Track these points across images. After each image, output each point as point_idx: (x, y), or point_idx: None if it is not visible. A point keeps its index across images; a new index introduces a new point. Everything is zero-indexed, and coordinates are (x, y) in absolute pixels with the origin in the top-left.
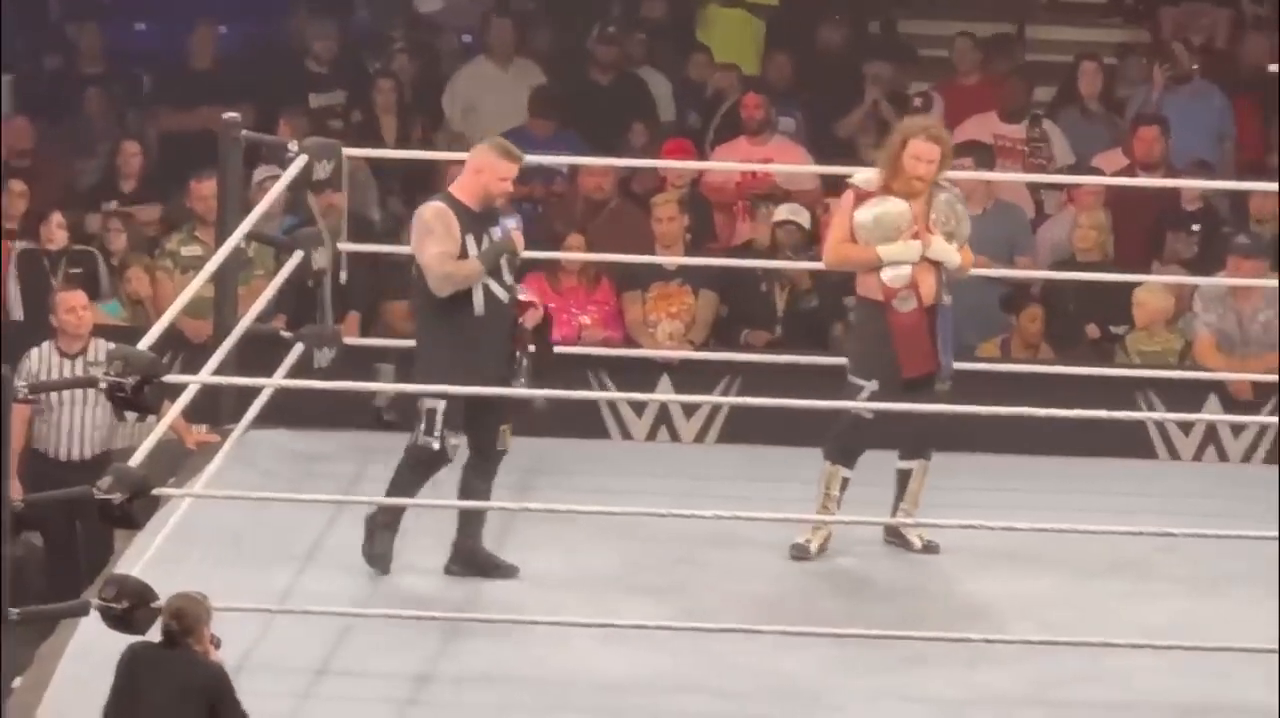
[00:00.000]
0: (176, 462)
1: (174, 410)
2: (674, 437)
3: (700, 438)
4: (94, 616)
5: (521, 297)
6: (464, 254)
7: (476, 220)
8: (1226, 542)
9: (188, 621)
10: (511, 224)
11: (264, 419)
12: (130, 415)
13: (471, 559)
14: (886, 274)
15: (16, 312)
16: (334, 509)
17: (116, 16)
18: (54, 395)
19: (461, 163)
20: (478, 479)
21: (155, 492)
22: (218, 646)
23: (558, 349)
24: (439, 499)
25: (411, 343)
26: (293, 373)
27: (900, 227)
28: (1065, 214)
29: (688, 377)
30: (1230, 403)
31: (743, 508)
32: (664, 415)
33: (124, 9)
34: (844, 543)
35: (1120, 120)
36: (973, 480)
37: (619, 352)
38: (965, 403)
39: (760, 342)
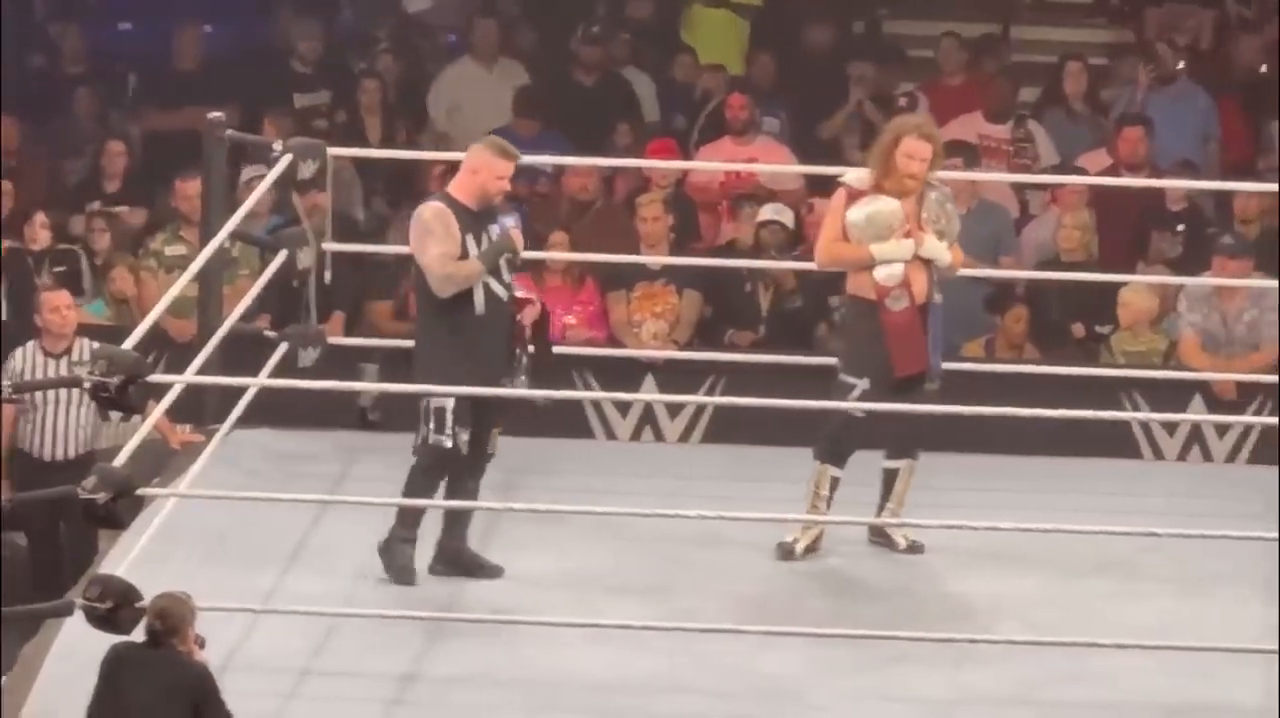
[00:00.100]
0: (161, 462)
1: (158, 410)
2: (658, 437)
3: (685, 438)
4: (78, 615)
5: (518, 293)
6: (464, 254)
7: (475, 219)
8: (1211, 542)
9: (172, 621)
10: (510, 223)
11: (248, 419)
12: (115, 415)
13: (456, 559)
14: (880, 273)
15: (0, 311)
16: (319, 509)
17: (101, 16)
18: (38, 395)
19: (445, 163)
20: (465, 479)
21: (140, 492)
22: (202, 646)
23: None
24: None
25: (395, 343)
26: (277, 373)
27: (893, 225)
28: (1049, 214)
29: (672, 377)
30: (1215, 403)
31: (728, 508)
32: (649, 415)
33: (109, 9)
34: (829, 543)
35: (1105, 121)
36: (958, 480)
37: (603, 351)
38: (951, 403)
39: (745, 342)
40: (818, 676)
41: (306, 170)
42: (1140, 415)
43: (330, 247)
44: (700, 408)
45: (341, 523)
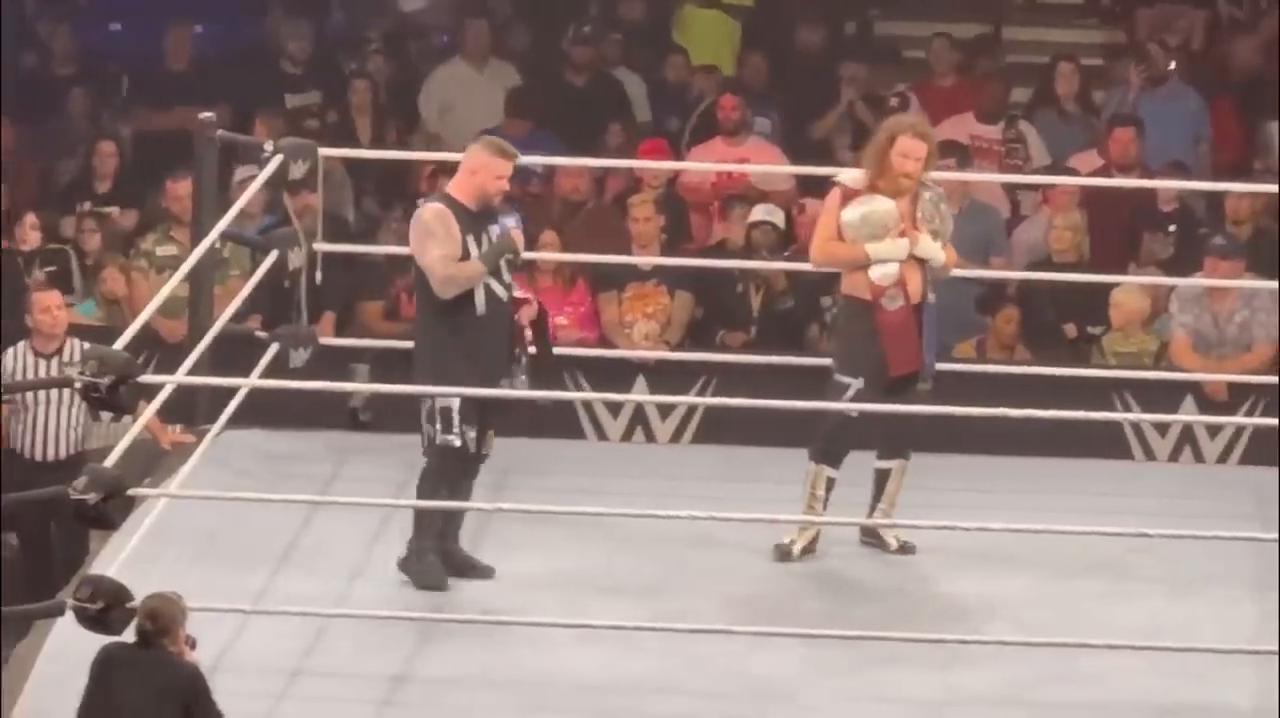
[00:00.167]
0: (152, 462)
1: (149, 411)
2: (650, 437)
3: (676, 438)
4: (69, 616)
5: (516, 293)
6: (465, 255)
7: (475, 220)
8: (1203, 542)
9: (163, 621)
10: (511, 223)
11: (239, 419)
12: (105, 416)
13: (448, 560)
14: (875, 272)
15: None
16: (310, 510)
17: (92, 16)
18: (29, 395)
19: (436, 163)
20: (459, 480)
21: (130, 492)
22: (193, 646)
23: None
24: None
25: (386, 343)
26: (268, 373)
27: (888, 224)
28: (1041, 215)
29: (663, 377)
30: (1206, 404)
31: (719, 508)
32: (640, 416)
33: (99, 9)
34: (821, 544)
35: (1096, 121)
36: (949, 481)
37: (595, 352)
38: (943, 403)
39: (736, 342)
40: (810, 676)
41: (297, 171)
42: (1132, 416)
43: (321, 247)
44: (691, 409)
45: (332, 523)
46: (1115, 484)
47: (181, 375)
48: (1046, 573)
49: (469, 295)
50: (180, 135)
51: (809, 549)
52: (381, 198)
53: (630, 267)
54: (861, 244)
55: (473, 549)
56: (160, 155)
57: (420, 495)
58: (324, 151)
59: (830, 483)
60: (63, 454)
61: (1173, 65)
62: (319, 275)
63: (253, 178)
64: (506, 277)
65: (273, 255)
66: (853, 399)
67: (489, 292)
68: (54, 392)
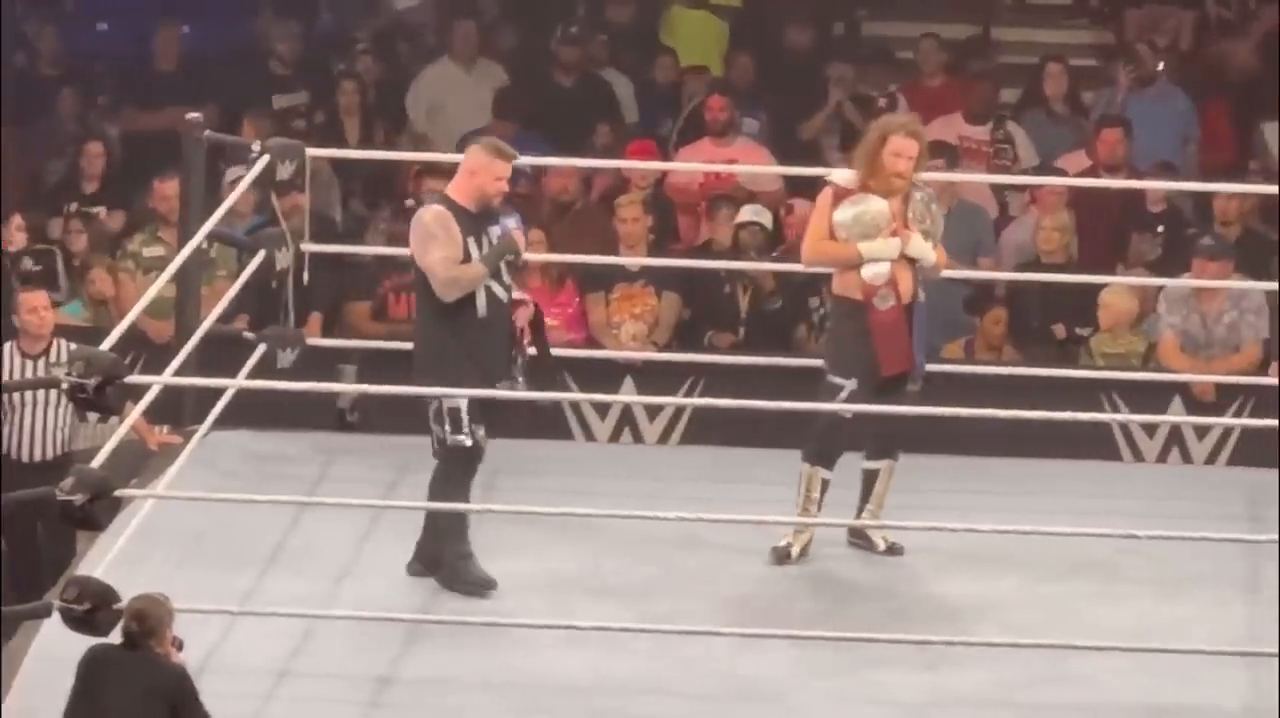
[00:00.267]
0: (139, 463)
1: (136, 411)
2: (637, 438)
3: (664, 439)
4: (56, 617)
5: (514, 294)
6: (466, 257)
7: (475, 222)
8: (1191, 543)
9: (149, 622)
10: (512, 224)
11: (226, 420)
12: (92, 416)
13: (436, 561)
14: (867, 272)
15: None
16: (297, 510)
17: (79, 17)
18: (16, 396)
19: (423, 164)
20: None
21: (117, 493)
22: (180, 647)
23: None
24: (400, 500)
25: (374, 344)
26: (255, 374)
27: (880, 224)
28: (1029, 216)
29: (651, 378)
30: (1194, 405)
31: (707, 509)
32: (628, 417)
33: (87, 9)
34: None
35: (1085, 122)
36: (937, 482)
37: (583, 353)
38: (932, 404)
39: (724, 343)
40: (798, 677)
41: (285, 171)
42: (1120, 417)
43: (308, 247)
44: (679, 409)
45: (320, 524)
46: (1103, 485)
47: (168, 376)
48: (1035, 574)
49: (470, 297)
50: (168, 136)
51: (804, 552)
52: (369, 198)
53: (618, 267)
54: (854, 243)
55: None
56: (148, 156)
57: (440, 498)
58: (311, 152)
59: (825, 485)
60: (49, 455)
61: (1161, 66)
62: (306, 276)
63: (243, 178)
64: (507, 278)
65: (260, 256)
66: (846, 401)
67: (490, 293)
68: (41, 392)
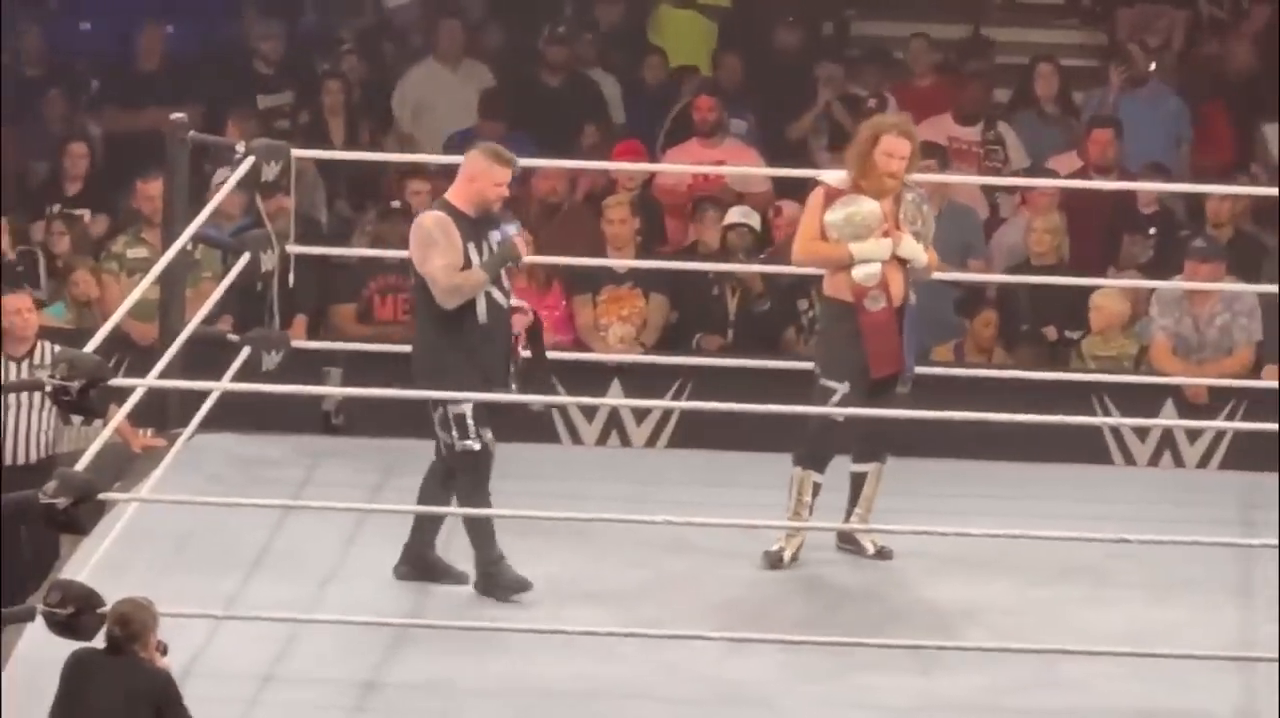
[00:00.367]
0: (123, 466)
1: (120, 414)
2: (625, 441)
3: (652, 442)
4: (39, 621)
5: (513, 301)
6: (466, 263)
7: (475, 227)
8: (1182, 548)
9: (134, 627)
10: (512, 230)
11: (211, 423)
12: (76, 419)
13: (421, 563)
14: (858, 272)
15: None
16: (282, 514)
17: (62, 16)
18: None
19: (409, 164)
20: (439, 485)
21: (101, 496)
22: (164, 652)
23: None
24: (386, 504)
25: (359, 346)
26: (240, 376)
27: (871, 225)
28: (1020, 217)
29: (639, 380)
30: (1186, 408)
31: (695, 513)
32: (615, 420)
33: (70, 8)
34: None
35: (1076, 123)
36: (927, 486)
37: (570, 355)
38: (921, 407)
39: (713, 346)
40: (787, 682)
41: (269, 172)
42: (1111, 421)
43: (293, 249)
44: (667, 412)
45: (305, 528)
46: (1095, 489)
47: (153, 379)
48: (1026, 578)
49: (471, 303)
50: (152, 136)
51: (796, 557)
52: (354, 200)
53: (605, 269)
54: (845, 244)
55: (446, 555)
56: (131, 157)
57: (468, 505)
58: (296, 153)
59: (816, 488)
60: (33, 458)
61: (1153, 66)
62: (291, 278)
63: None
64: (507, 284)
65: (244, 258)
66: (839, 404)
67: (490, 299)
68: (24, 395)
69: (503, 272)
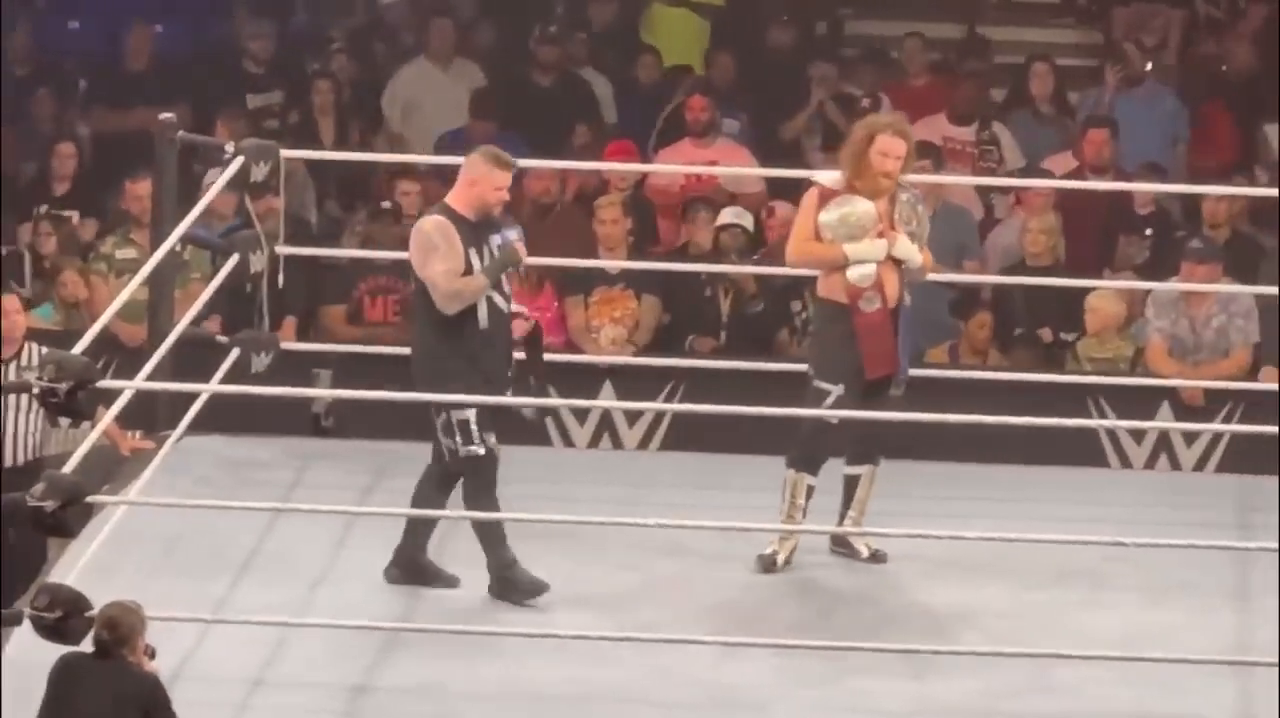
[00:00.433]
0: (111, 469)
1: (108, 416)
2: (617, 444)
3: (644, 445)
4: (26, 625)
5: (513, 307)
6: (468, 267)
7: (475, 231)
8: (1178, 551)
9: (121, 630)
10: (513, 235)
11: (200, 425)
12: (64, 421)
13: (412, 566)
14: (853, 273)
15: None
16: (271, 517)
17: (50, 15)
18: None
19: (399, 164)
20: (434, 489)
21: (89, 499)
22: (152, 656)
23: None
24: (376, 506)
25: (349, 348)
26: (229, 378)
27: (865, 225)
28: (1015, 218)
29: (631, 382)
30: (1183, 410)
31: (688, 516)
32: (607, 422)
33: (58, 7)
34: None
35: (1072, 123)
36: (921, 488)
37: (561, 357)
38: (915, 409)
39: (706, 348)
40: (781, 687)
41: (259, 173)
42: (1107, 423)
43: (283, 250)
44: (659, 415)
45: (295, 531)
46: (1090, 492)
47: (141, 381)
48: (1021, 582)
49: (472, 308)
50: (140, 136)
51: (789, 560)
52: (344, 200)
53: (597, 270)
54: (839, 245)
55: (437, 558)
56: (120, 157)
57: (477, 508)
58: (286, 153)
59: (810, 491)
60: (20, 460)
61: (1149, 66)
62: (281, 279)
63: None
64: (507, 288)
65: (234, 259)
66: (834, 406)
67: (491, 304)
68: (11, 397)
69: (503, 276)
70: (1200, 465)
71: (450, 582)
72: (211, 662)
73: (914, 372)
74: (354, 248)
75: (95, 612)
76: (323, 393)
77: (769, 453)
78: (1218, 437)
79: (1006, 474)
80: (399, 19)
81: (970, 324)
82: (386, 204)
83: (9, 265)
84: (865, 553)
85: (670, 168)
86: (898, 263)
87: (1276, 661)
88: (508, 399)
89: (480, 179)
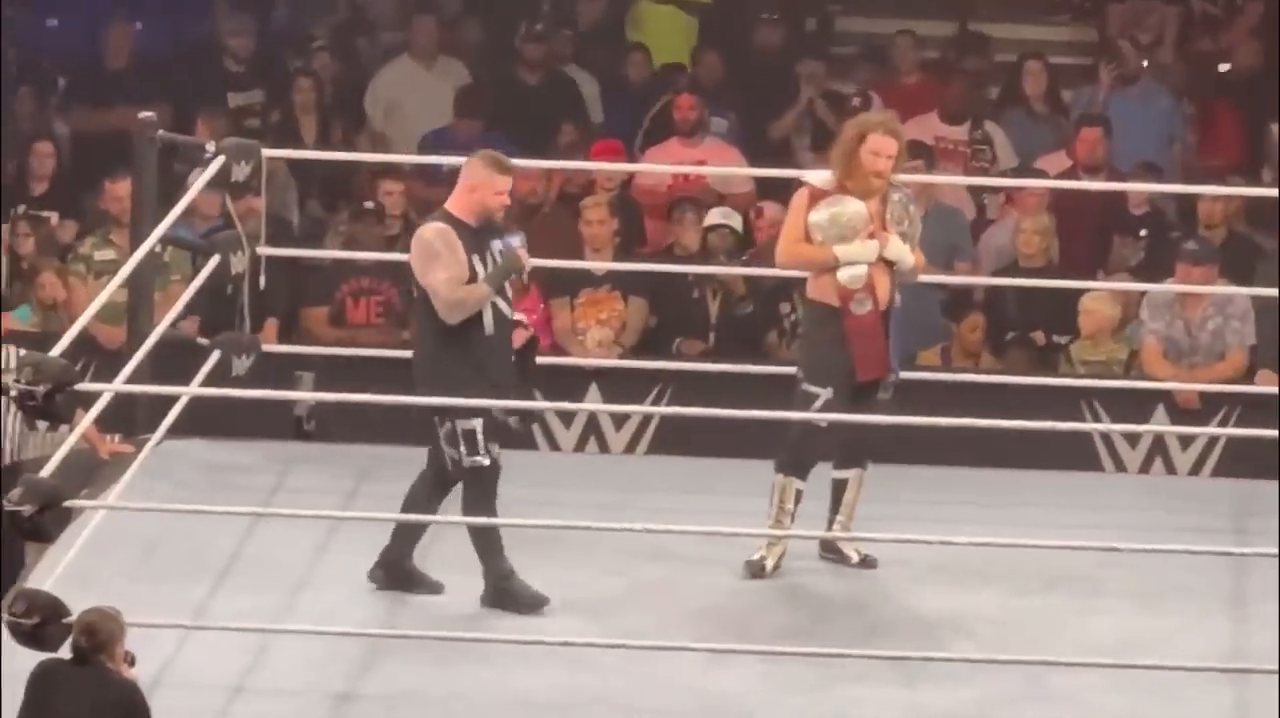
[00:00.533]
0: (90, 473)
1: (87, 419)
2: (603, 447)
3: (631, 449)
4: (3, 631)
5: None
6: (471, 274)
7: (477, 237)
8: (1173, 556)
9: (100, 637)
10: (515, 241)
11: (180, 429)
12: (42, 424)
13: (397, 571)
14: (843, 275)
15: None
16: (252, 521)
17: (28, 12)
18: None
19: (382, 164)
20: (427, 495)
21: (67, 503)
22: (132, 662)
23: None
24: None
25: (331, 350)
26: (210, 381)
27: (856, 226)
28: (1008, 219)
29: (617, 385)
30: (1178, 414)
31: (675, 521)
32: (593, 425)
33: (36, 4)
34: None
35: (1065, 122)
36: (912, 493)
37: (548, 359)
38: (905, 412)
39: (694, 351)
40: (769, 694)
41: (240, 172)
42: (1101, 427)
43: (264, 251)
44: (646, 418)
45: (276, 535)
46: (1084, 496)
47: (120, 383)
48: (1014, 587)
49: (477, 315)
50: (120, 136)
51: (778, 566)
52: (326, 200)
53: (583, 271)
54: (830, 246)
55: (421, 563)
56: (99, 156)
57: (476, 516)
58: (267, 152)
59: (798, 495)
60: None
61: (1144, 64)
62: (262, 280)
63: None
64: (509, 293)
65: (214, 260)
66: (823, 409)
67: (496, 311)
68: None
69: (505, 282)
70: (1196, 470)
71: (434, 588)
72: (192, 668)
73: (905, 374)
74: (336, 249)
75: (73, 618)
76: (305, 396)
77: (757, 457)
78: (1213, 441)
79: (999, 478)
80: (382, 16)
81: (962, 326)
82: (369, 204)
83: None
84: (855, 558)
85: (658, 167)
86: (889, 264)
87: (1273, 667)
88: (490, 401)
89: (480, 184)
